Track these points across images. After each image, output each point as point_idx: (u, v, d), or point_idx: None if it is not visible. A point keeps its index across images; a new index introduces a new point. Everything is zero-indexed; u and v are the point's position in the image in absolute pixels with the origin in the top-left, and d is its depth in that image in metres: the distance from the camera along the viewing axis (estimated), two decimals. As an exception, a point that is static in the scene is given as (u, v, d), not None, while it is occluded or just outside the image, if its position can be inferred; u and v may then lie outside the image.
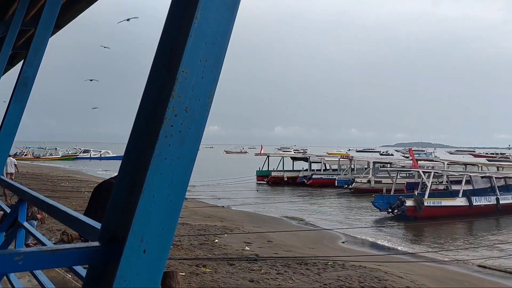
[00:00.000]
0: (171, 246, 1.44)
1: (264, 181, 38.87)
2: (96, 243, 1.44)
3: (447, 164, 32.78)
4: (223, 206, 24.23)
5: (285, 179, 38.58)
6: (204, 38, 1.39)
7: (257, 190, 35.19)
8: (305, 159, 41.60)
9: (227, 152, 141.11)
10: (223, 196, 29.33)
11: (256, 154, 45.83)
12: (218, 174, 46.47)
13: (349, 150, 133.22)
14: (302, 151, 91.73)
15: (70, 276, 6.06)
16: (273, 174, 39.13)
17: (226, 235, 14.53)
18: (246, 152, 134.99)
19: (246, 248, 12.63)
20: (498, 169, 30.83)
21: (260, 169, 39.86)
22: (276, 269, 10.32)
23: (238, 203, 25.88)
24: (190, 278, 8.98)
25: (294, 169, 41.03)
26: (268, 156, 40.60)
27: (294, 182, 37.81)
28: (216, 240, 13.35)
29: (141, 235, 1.33)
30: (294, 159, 43.34)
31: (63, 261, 1.48)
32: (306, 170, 39.22)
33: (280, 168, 40.09)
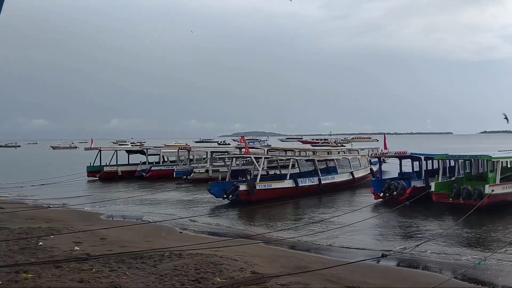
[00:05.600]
0: None
1: (96, 176, 36.74)
2: None
3: (267, 150, 35.15)
4: (49, 206, 22.25)
5: (119, 173, 37.07)
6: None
7: (89, 187, 33.24)
8: (142, 152, 40.55)
9: (53, 147, 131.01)
10: (48, 195, 26.92)
11: (86, 149, 42.84)
12: (43, 171, 42.59)
13: (203, 141, 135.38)
14: (139, 144, 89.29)
15: None
16: (105, 169, 37.18)
17: (52, 236, 13.34)
18: (76, 147, 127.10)
19: (76, 248, 11.76)
20: (314, 153, 34.05)
21: (91, 165, 37.56)
22: (109, 266, 9.82)
23: (67, 202, 24.05)
24: (8, 286, 7.99)
25: (130, 162, 39.73)
26: (100, 150, 38.44)
27: (130, 176, 36.59)
28: (41, 243, 12.16)
29: None
30: (129, 152, 41.87)
31: None
32: (144, 163, 38.26)
33: (114, 162, 38.37)
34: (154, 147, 43.63)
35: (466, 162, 24.02)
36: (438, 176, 22.03)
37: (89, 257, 10.51)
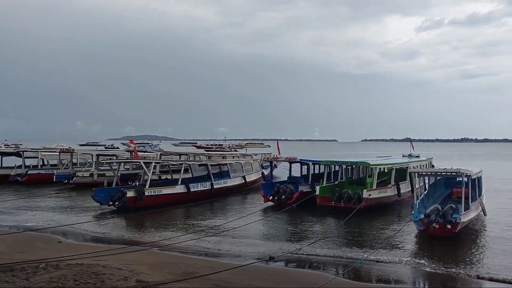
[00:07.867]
0: None
1: None
2: None
3: (160, 154, 34.27)
4: None
5: None
6: None
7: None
8: (17, 154, 37.07)
9: None
10: None
11: None
12: None
13: (89, 144, 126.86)
14: (14, 146, 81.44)
15: None
16: None
17: None
18: None
19: None
20: (209, 158, 33.96)
21: None
22: (-30, 283, 8.63)
23: None
24: None
25: (4, 166, 36.09)
26: None
27: (3, 181, 33.22)
28: None
29: None
30: (2, 154, 38.14)
31: None
32: (20, 166, 34.98)
33: None
34: (32, 149, 39.98)
35: (348, 167, 25.67)
36: (323, 180, 23.23)
37: None
